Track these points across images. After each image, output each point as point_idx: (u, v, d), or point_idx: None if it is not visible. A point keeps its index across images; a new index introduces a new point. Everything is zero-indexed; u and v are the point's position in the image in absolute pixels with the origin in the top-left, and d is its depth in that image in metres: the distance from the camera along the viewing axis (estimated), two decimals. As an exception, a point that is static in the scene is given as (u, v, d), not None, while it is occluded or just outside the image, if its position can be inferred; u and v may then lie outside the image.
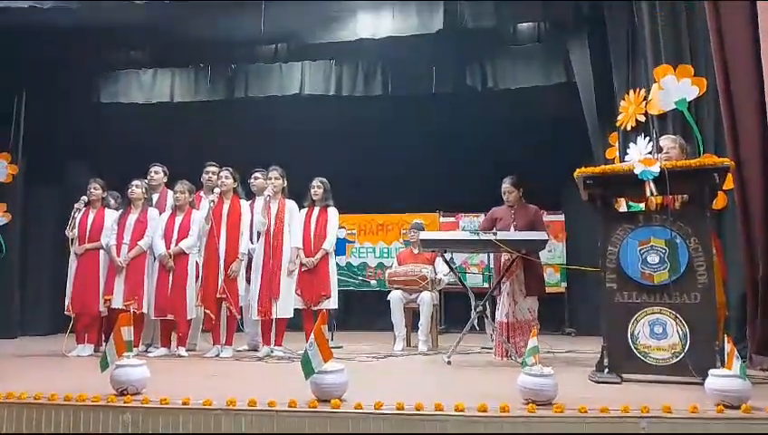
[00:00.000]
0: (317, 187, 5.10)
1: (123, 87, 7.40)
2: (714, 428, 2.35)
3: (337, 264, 5.48)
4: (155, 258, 4.94)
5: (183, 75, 7.32)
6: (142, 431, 2.55)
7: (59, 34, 6.06)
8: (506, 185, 4.73)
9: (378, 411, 2.47)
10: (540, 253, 4.71)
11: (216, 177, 5.18)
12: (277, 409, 2.53)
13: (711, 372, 2.62)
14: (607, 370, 3.27)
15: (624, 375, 3.25)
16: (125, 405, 2.63)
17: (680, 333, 3.17)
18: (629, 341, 3.25)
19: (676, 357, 3.17)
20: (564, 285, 7.70)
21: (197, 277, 4.88)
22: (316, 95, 7.11)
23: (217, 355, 4.72)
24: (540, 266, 4.61)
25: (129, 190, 5.02)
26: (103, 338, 4.90)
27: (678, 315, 3.18)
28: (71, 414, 2.63)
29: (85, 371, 3.81)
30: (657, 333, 3.22)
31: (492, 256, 7.14)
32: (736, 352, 2.60)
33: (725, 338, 2.71)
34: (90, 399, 2.68)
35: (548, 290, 5.04)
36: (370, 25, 6.27)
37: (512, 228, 4.60)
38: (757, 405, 2.46)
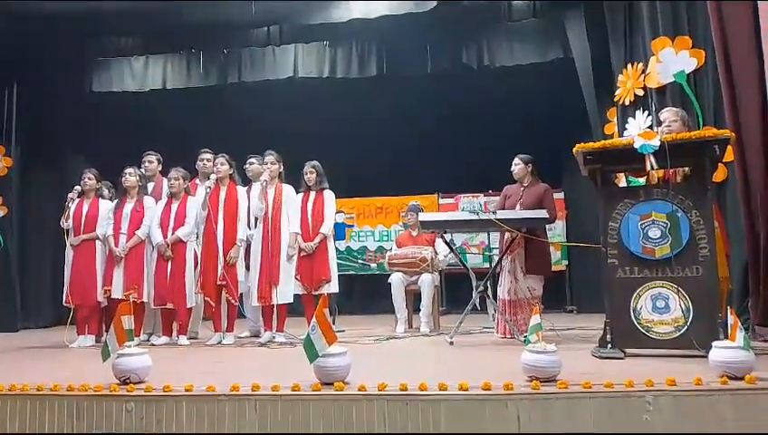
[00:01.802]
0: (309, 172, 5.05)
1: (115, 75, 7.32)
2: (718, 399, 2.35)
3: (337, 248, 5.46)
4: (153, 247, 4.91)
5: (175, 61, 7.23)
6: (146, 419, 2.55)
7: (46, 23, 5.97)
8: (515, 162, 4.72)
9: (382, 393, 2.46)
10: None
11: (210, 163, 5.14)
12: (281, 393, 2.52)
13: (714, 344, 2.62)
14: (610, 345, 3.27)
15: (627, 350, 3.25)
16: (128, 394, 2.62)
17: (683, 306, 3.17)
18: (632, 316, 3.25)
19: (679, 331, 3.16)
20: (565, 263, 7.71)
21: (196, 265, 4.86)
22: (310, 78, 7.03)
23: (219, 342, 4.71)
24: (546, 246, 4.57)
25: (123, 179, 4.98)
26: (104, 328, 4.89)
27: (681, 289, 3.18)
28: (74, 404, 2.62)
29: (87, 361, 3.81)
30: (659, 307, 3.21)
31: (491, 235, 7.16)
32: (740, 324, 2.59)
33: (729, 310, 2.70)
34: (92, 389, 2.67)
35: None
36: (364, 5, 6.18)
37: (518, 206, 4.58)
38: (761, 376, 2.45)
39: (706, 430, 2.30)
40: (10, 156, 6.67)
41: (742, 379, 2.43)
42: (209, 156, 5.24)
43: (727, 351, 2.53)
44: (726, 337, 2.72)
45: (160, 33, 6.86)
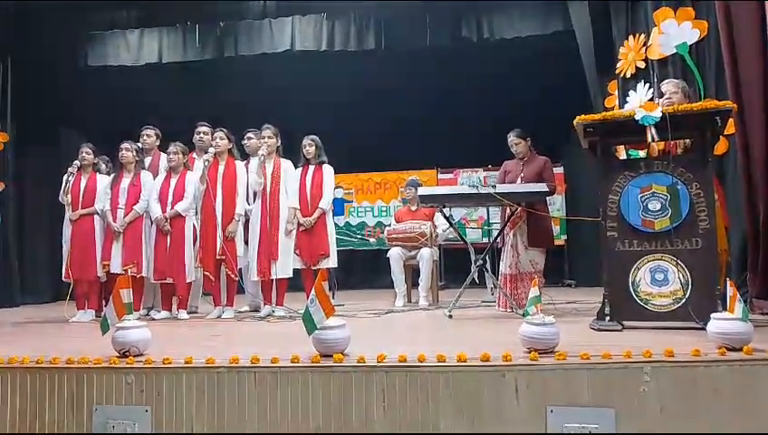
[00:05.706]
0: (308, 145, 5.02)
1: (110, 49, 7.25)
2: (716, 370, 2.36)
3: (336, 223, 5.46)
4: (152, 222, 4.90)
5: (171, 35, 7.15)
6: (146, 391, 2.56)
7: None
8: (512, 138, 4.66)
9: (380, 364, 2.46)
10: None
11: (207, 137, 5.10)
12: (280, 365, 2.52)
13: (713, 315, 2.61)
14: (608, 318, 3.27)
15: (625, 323, 3.25)
16: (128, 366, 2.62)
17: (681, 279, 3.16)
18: (630, 288, 3.24)
19: (678, 303, 3.16)
20: (564, 237, 7.71)
21: (195, 239, 4.85)
22: (308, 51, 6.95)
23: (219, 317, 4.73)
24: (547, 219, 4.56)
25: (120, 154, 4.94)
26: (104, 303, 4.89)
27: (680, 261, 3.16)
28: (74, 377, 2.63)
29: (86, 335, 3.82)
30: (658, 279, 3.21)
31: (491, 210, 7.15)
32: (738, 296, 2.59)
33: (727, 282, 2.70)
34: (92, 361, 2.68)
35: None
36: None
37: (519, 180, 4.55)
38: (759, 347, 2.45)
39: (704, 400, 2.31)
40: (5, 131, 6.62)
41: (740, 350, 2.43)
42: (206, 129, 5.20)
43: (725, 322, 2.53)
44: (725, 309, 2.71)
45: (154, 5, 6.76)
